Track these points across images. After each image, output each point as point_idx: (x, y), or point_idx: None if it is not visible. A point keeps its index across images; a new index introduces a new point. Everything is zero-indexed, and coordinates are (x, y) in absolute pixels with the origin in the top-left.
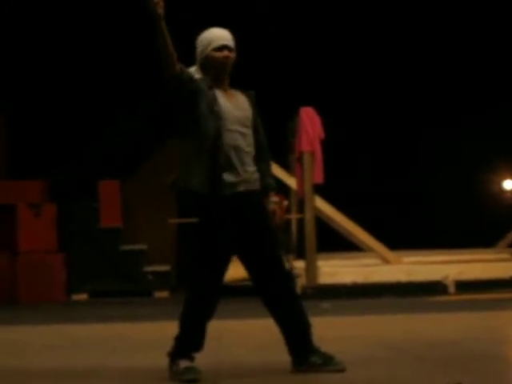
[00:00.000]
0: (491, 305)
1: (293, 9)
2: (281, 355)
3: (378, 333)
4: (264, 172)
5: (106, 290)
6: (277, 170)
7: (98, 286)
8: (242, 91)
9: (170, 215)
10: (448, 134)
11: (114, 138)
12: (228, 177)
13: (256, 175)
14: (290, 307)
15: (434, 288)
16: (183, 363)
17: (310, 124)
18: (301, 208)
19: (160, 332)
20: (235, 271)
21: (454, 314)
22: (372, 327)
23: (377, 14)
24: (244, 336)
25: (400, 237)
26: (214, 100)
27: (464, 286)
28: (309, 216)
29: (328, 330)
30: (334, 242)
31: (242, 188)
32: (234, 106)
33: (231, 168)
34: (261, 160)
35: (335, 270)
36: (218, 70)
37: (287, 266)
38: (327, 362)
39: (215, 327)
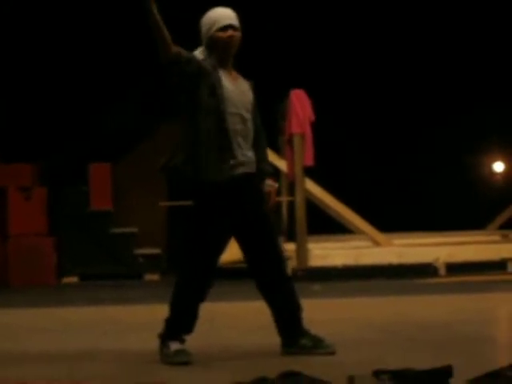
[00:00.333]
0: (482, 287)
1: None
2: (271, 338)
3: (369, 315)
4: (261, 157)
5: (97, 273)
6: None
7: (88, 269)
8: (243, 77)
9: (160, 198)
10: (437, 117)
11: (105, 121)
12: (227, 160)
13: (253, 159)
14: (282, 289)
15: (424, 270)
16: (174, 345)
17: (300, 106)
18: (291, 190)
19: (151, 314)
20: (228, 253)
21: (445, 296)
22: (363, 309)
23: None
24: (235, 318)
25: (391, 219)
26: (218, 82)
27: (455, 268)
28: (299, 198)
29: (318, 312)
30: (325, 225)
31: (240, 171)
32: (237, 88)
33: (230, 151)
34: (258, 146)
35: (326, 252)
36: (223, 50)
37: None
38: (317, 345)
39: (207, 310)
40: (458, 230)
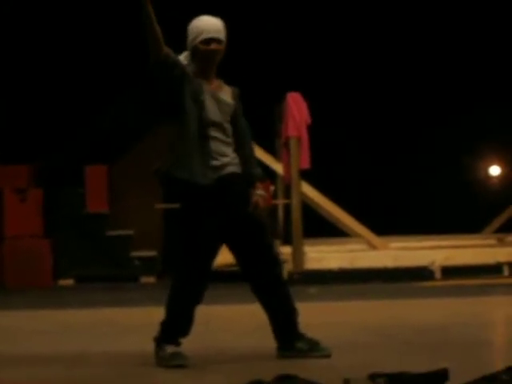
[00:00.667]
0: (477, 290)
1: None
2: (267, 341)
3: (365, 318)
4: (248, 162)
5: (93, 275)
6: (263, 156)
7: (84, 271)
8: (227, 84)
9: (156, 201)
10: (435, 120)
11: (102, 122)
12: (211, 163)
13: (237, 160)
14: (277, 293)
15: (420, 273)
16: (169, 348)
17: (296, 109)
18: (287, 193)
19: (147, 317)
20: (223, 257)
21: (441, 299)
22: (358, 313)
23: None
24: (230, 321)
25: (386, 222)
26: (200, 88)
27: (450, 272)
28: (295, 201)
29: (314, 315)
30: (321, 228)
31: (225, 171)
32: (218, 98)
33: (213, 155)
34: (244, 151)
35: (322, 255)
36: (205, 62)
37: (275, 251)
38: (313, 348)
39: (202, 312)
40: (454, 234)
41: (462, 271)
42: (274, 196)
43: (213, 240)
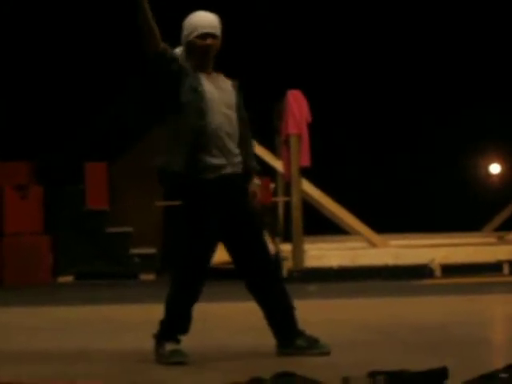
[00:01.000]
0: (477, 288)
1: None
2: (266, 338)
3: (365, 316)
4: (247, 155)
5: (92, 272)
6: (263, 153)
7: (84, 268)
8: (226, 76)
9: (156, 198)
10: (435, 118)
11: (102, 120)
12: (212, 160)
13: (239, 158)
14: (273, 290)
15: (420, 271)
16: (169, 346)
17: (297, 107)
18: (287, 191)
19: (146, 314)
20: (220, 254)
21: (441, 297)
22: (358, 310)
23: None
24: (229, 319)
25: (387, 220)
26: (198, 80)
27: (450, 270)
28: (295, 199)
29: (314, 313)
30: (321, 226)
31: (226, 171)
32: (218, 88)
33: (215, 150)
34: (244, 143)
35: (322, 253)
36: (201, 57)
37: (271, 248)
38: (312, 345)
39: (200, 310)
40: (454, 232)
41: (462, 269)
42: (274, 193)
43: (212, 237)
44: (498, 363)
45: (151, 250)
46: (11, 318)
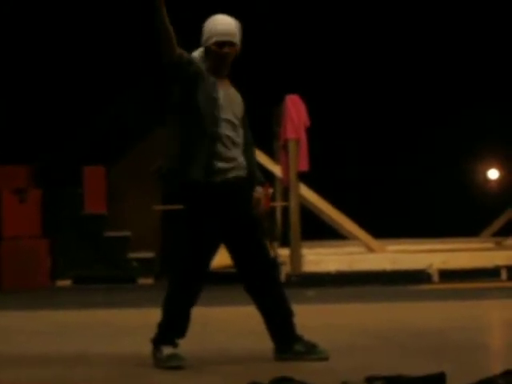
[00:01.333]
0: (475, 294)
1: None
2: (264, 343)
3: (362, 321)
4: (252, 166)
5: (91, 276)
6: (262, 158)
7: (82, 272)
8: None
9: (154, 202)
10: (433, 123)
11: (101, 123)
12: (219, 163)
13: (244, 163)
14: (272, 295)
15: (418, 277)
16: (167, 350)
17: (295, 111)
18: (285, 196)
19: (144, 318)
20: (220, 258)
21: (439, 302)
22: (356, 315)
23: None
24: (227, 323)
25: (384, 225)
26: (214, 87)
27: (448, 275)
28: (293, 204)
29: (312, 318)
30: (319, 230)
31: (231, 174)
32: (229, 96)
33: (222, 155)
34: (248, 155)
35: (320, 258)
36: (217, 63)
37: (271, 254)
38: (310, 351)
39: (200, 314)
40: (452, 237)
41: (460, 275)
42: (273, 198)
43: (213, 240)
44: (496, 368)
45: (149, 254)
46: (10, 322)
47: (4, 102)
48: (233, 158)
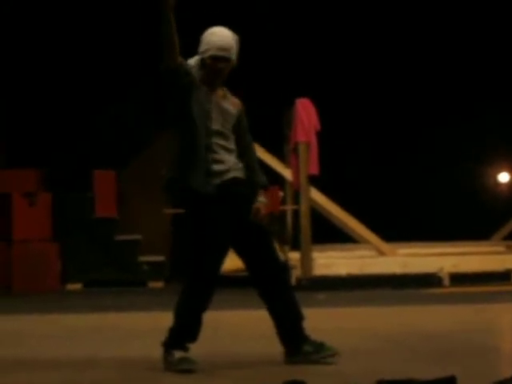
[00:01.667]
0: (486, 297)
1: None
2: (275, 346)
3: (373, 325)
4: (252, 171)
5: (101, 280)
6: (272, 161)
7: (92, 276)
8: (232, 93)
9: (164, 206)
10: (443, 127)
11: (110, 127)
12: (215, 167)
13: (240, 165)
14: (282, 299)
15: (428, 280)
16: (178, 353)
17: (305, 115)
18: (296, 199)
19: (154, 322)
20: (231, 262)
21: (449, 306)
22: (367, 319)
23: (373, 4)
24: (238, 327)
25: (395, 229)
26: (206, 97)
27: (459, 279)
28: (304, 207)
29: (323, 321)
30: (329, 234)
31: (227, 176)
32: (221, 107)
33: (217, 160)
34: (249, 160)
35: (330, 261)
36: (211, 77)
37: (281, 257)
38: (319, 349)
39: (210, 318)
40: (463, 241)
41: (471, 278)
42: (283, 202)
43: (220, 245)
44: (507, 372)
45: (160, 258)
46: (20, 326)
47: (14, 106)
48: (228, 161)
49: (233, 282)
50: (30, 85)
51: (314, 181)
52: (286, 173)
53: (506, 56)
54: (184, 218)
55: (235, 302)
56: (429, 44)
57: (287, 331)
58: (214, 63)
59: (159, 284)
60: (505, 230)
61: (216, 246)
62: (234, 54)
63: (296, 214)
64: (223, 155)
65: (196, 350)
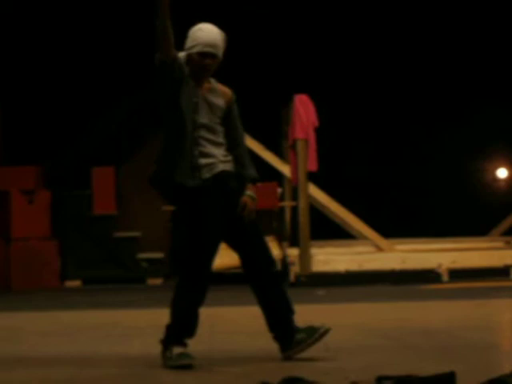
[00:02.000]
0: (485, 293)
1: None
2: (272, 343)
3: (372, 321)
4: (243, 164)
5: (100, 277)
6: (270, 157)
7: (91, 273)
8: (221, 84)
9: (163, 202)
10: (441, 123)
11: (109, 124)
12: (202, 160)
13: (229, 158)
14: (273, 292)
15: (427, 276)
16: (176, 349)
17: (304, 111)
18: (294, 196)
19: (153, 319)
20: (227, 259)
21: (448, 302)
22: (366, 315)
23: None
24: (236, 324)
25: (394, 225)
26: (194, 91)
27: (458, 274)
28: (303, 204)
29: (321, 317)
30: (328, 230)
31: (217, 169)
32: (209, 100)
33: (203, 154)
34: (236, 151)
35: (329, 257)
36: (197, 72)
37: (278, 253)
38: (312, 333)
39: (208, 314)
40: (462, 236)
41: (469, 274)
42: (282, 198)
43: (209, 239)
44: (506, 368)
45: (159, 255)
46: (19, 323)
47: (13, 103)
48: (215, 155)
49: (230, 278)
50: (29, 82)
51: (312, 177)
52: (285, 169)
53: (506, 52)
54: (175, 213)
55: (232, 299)
56: (427, 40)
57: (280, 328)
58: (201, 59)
59: (158, 281)
60: (503, 226)
61: (205, 240)
62: (220, 51)
63: (294, 210)
64: (210, 149)
65: (193, 347)
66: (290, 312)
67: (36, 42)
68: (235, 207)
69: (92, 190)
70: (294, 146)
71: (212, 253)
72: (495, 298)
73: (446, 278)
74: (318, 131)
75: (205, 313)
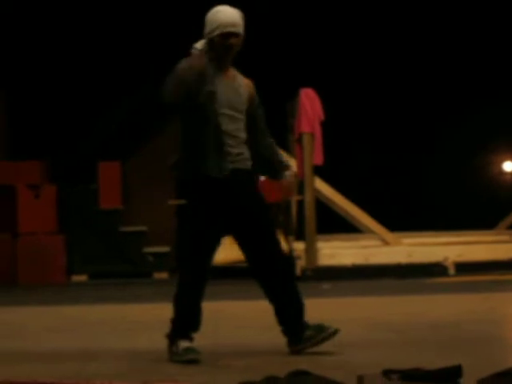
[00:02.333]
0: (491, 286)
1: None
2: (280, 337)
3: (378, 314)
4: (272, 152)
5: (106, 272)
6: None
7: (97, 268)
8: (243, 75)
9: (169, 197)
10: (448, 116)
11: (115, 119)
12: (215, 157)
13: (244, 156)
14: (286, 290)
15: (433, 270)
16: (183, 344)
17: (309, 105)
18: (300, 189)
19: (160, 313)
20: (231, 253)
21: (454, 295)
22: (372, 309)
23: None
24: (243, 318)
25: (400, 218)
26: (212, 79)
27: (464, 268)
28: (309, 198)
29: (328, 311)
30: (334, 224)
31: (230, 167)
32: (231, 88)
33: (219, 150)
34: (268, 141)
35: (335, 251)
36: (222, 55)
37: (283, 246)
38: (320, 331)
39: (214, 309)
40: (468, 230)
41: (476, 267)
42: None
43: (215, 233)
44: None
45: (165, 249)
46: (25, 318)
47: (19, 98)
48: (229, 152)
49: (236, 272)
50: (35, 76)
51: (318, 171)
52: (291, 163)
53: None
54: (185, 205)
55: (238, 293)
56: (433, 34)
57: (289, 321)
58: (225, 40)
59: (164, 275)
60: (510, 219)
61: (210, 237)
62: (241, 29)
63: (301, 204)
64: (229, 144)
65: (199, 341)
66: (301, 308)
67: (44, 39)
68: (247, 204)
69: (98, 185)
70: (299, 140)
71: (214, 248)
72: (501, 292)
73: (452, 271)
74: (324, 125)
75: (210, 307)
